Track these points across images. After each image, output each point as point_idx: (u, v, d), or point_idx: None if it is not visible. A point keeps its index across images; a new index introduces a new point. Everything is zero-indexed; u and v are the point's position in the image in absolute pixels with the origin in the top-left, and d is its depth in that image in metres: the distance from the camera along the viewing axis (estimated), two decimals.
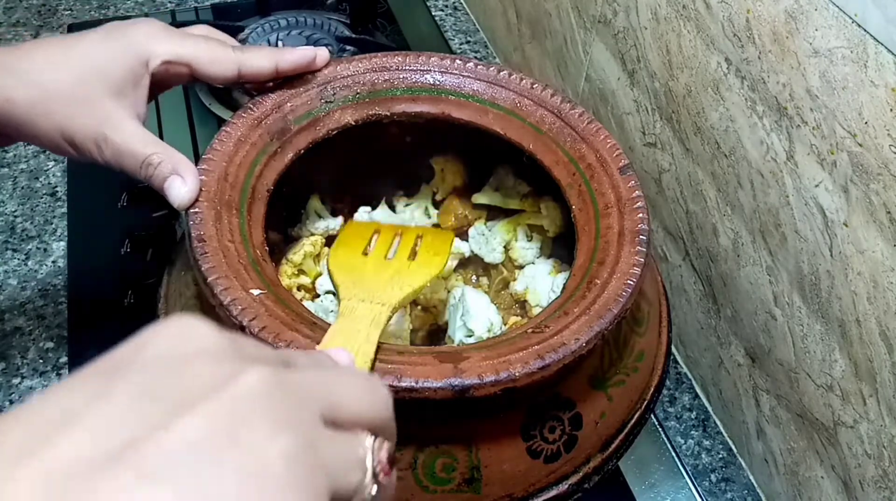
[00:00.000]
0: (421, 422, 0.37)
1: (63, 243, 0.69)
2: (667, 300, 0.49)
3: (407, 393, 0.34)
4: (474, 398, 0.35)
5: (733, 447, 0.62)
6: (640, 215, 0.43)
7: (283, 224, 0.58)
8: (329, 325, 0.38)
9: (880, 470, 0.47)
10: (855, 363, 0.47)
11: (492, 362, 0.36)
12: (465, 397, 0.35)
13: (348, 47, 0.84)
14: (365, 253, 0.46)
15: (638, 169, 0.66)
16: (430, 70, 0.51)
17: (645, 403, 0.45)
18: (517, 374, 0.35)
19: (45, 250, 0.69)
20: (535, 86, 0.50)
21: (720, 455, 0.62)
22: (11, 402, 0.58)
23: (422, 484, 0.38)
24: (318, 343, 0.36)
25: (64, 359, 0.61)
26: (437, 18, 0.98)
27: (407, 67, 0.51)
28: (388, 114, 0.50)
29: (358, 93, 0.50)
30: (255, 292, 0.37)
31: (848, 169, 0.44)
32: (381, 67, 0.50)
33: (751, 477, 0.61)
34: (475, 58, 0.89)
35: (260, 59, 0.46)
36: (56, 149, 0.41)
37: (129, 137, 0.41)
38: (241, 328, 0.36)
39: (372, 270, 0.44)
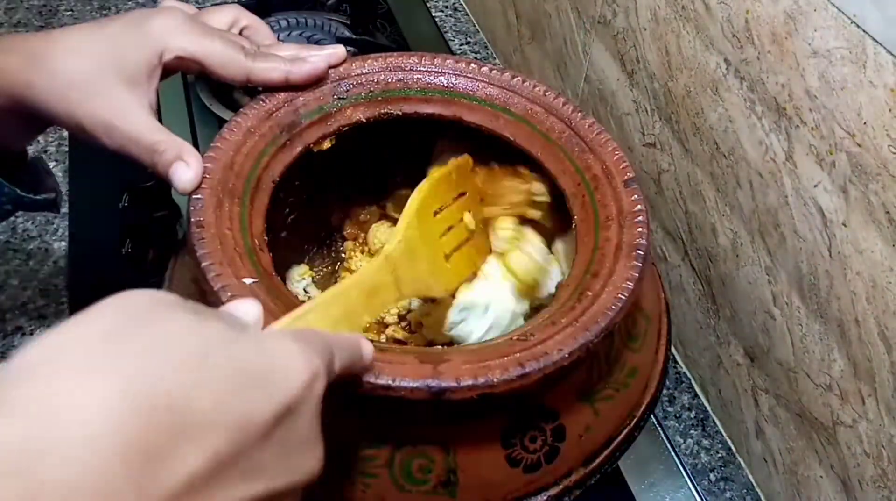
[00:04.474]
0: (399, 421, 0.37)
1: (64, 244, 0.69)
2: (668, 318, 0.49)
3: (383, 391, 0.34)
4: (451, 400, 0.35)
5: (732, 446, 0.62)
6: (640, 229, 0.42)
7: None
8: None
9: (879, 470, 0.47)
10: (854, 362, 0.47)
11: (471, 366, 0.35)
12: (442, 399, 0.34)
13: (349, 48, 0.84)
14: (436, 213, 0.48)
15: (637, 170, 0.66)
16: (443, 72, 0.51)
17: (634, 420, 0.44)
18: (495, 380, 0.35)
19: (46, 250, 0.69)
20: (547, 93, 0.49)
21: (719, 455, 0.62)
22: None
23: (397, 483, 0.38)
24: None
25: None
26: (437, 19, 0.98)
27: (421, 68, 0.50)
28: (400, 114, 0.50)
29: (371, 91, 0.49)
30: (248, 280, 0.37)
31: (847, 169, 0.44)
32: (395, 66, 0.50)
33: (750, 477, 0.61)
34: (475, 59, 0.89)
35: (270, 71, 0.46)
36: (74, 131, 0.42)
37: (137, 126, 0.41)
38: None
39: (424, 252, 0.46)
